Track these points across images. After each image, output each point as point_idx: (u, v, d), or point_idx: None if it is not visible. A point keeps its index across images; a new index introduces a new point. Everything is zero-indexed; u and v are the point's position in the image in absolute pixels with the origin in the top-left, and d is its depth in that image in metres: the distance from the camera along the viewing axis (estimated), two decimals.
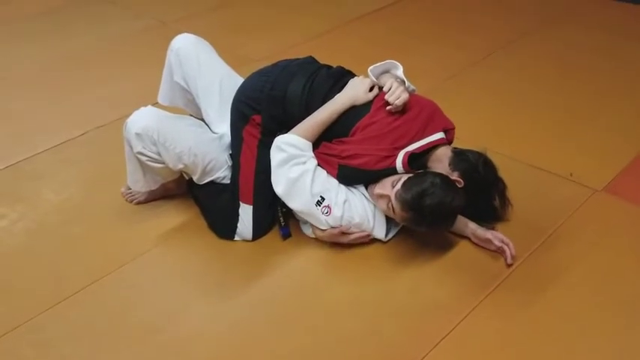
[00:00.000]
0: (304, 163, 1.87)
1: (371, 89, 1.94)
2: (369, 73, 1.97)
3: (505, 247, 1.87)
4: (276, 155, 1.88)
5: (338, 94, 1.93)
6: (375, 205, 1.91)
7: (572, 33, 3.30)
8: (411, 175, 1.82)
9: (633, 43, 3.18)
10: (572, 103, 2.70)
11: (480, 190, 1.89)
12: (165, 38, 2.24)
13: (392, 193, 1.79)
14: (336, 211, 1.87)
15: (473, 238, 1.94)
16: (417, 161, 1.88)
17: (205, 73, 2.07)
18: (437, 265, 1.89)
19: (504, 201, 1.95)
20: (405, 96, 1.86)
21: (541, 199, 2.13)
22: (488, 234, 1.90)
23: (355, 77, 1.99)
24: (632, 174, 2.25)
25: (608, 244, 1.96)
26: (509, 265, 1.87)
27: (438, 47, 3.20)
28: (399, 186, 1.78)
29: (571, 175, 2.23)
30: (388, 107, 1.87)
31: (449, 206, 1.76)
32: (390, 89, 1.88)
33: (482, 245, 1.93)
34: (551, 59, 3.06)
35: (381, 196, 1.83)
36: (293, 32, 3.39)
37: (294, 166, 1.87)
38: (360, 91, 1.92)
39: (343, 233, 1.91)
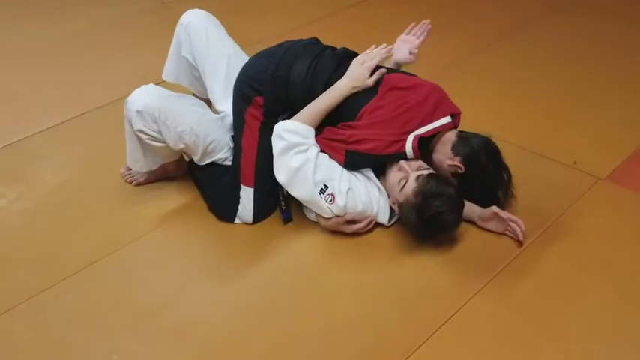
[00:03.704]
0: (306, 151, 1.85)
1: (372, 74, 1.91)
2: None
3: (515, 226, 1.86)
4: (277, 144, 1.86)
5: (340, 80, 1.90)
6: (379, 191, 1.90)
7: (578, 21, 3.26)
8: (434, 173, 1.84)
9: None
10: (576, 91, 2.67)
11: (481, 177, 1.87)
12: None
13: (414, 174, 1.80)
14: (340, 201, 1.84)
15: (479, 222, 1.93)
16: (424, 146, 1.86)
17: (214, 50, 2.05)
18: (438, 251, 1.88)
19: (507, 192, 1.92)
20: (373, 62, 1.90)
21: (544, 186, 2.11)
22: (494, 208, 1.88)
23: (356, 58, 1.94)
24: (636, 163, 2.23)
25: (611, 232, 1.94)
26: (520, 244, 1.86)
27: (441, 34, 3.14)
28: (424, 173, 1.81)
29: (574, 163, 2.21)
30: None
31: (446, 221, 1.80)
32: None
33: (489, 228, 1.91)
34: (556, 47, 3.03)
35: (402, 169, 1.83)
36: (295, 15, 3.35)
37: (296, 155, 1.84)
38: (360, 79, 1.89)
39: (348, 222, 1.89)
